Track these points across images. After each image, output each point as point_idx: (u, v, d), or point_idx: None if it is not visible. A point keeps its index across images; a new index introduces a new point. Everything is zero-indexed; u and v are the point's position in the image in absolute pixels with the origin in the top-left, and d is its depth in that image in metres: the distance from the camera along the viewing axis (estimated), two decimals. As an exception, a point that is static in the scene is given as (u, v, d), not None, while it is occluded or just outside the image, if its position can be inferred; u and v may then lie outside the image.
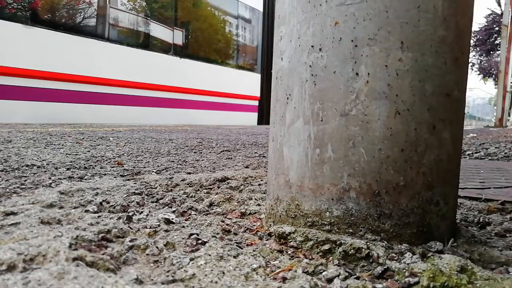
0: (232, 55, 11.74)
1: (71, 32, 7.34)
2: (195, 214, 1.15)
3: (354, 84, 0.83)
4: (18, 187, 1.42)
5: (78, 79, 7.52)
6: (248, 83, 12.19)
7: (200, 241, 0.86)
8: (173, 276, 0.69)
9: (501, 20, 16.92)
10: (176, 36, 9.61)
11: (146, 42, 9.01)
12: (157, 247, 0.83)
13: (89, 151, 2.74)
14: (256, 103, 12.70)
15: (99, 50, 7.84)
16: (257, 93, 12.61)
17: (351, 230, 0.85)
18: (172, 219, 1.03)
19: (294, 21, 0.91)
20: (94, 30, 7.83)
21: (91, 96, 7.86)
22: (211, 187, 1.58)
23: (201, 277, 0.68)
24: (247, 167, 2.34)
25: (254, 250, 0.82)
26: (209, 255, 0.77)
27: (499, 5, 26.43)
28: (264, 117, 12.86)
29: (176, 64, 9.63)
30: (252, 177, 1.82)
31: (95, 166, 2.11)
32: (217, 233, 0.94)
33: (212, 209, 1.23)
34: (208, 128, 7.23)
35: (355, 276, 0.72)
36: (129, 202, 1.23)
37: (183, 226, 1.00)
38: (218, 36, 11.23)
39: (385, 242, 0.83)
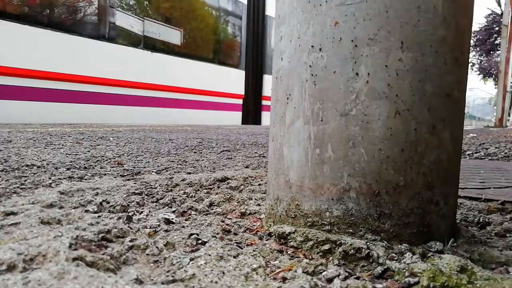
0: (213, 50, 10.59)
1: (13, 20, 6.21)
2: (195, 214, 1.15)
3: (354, 84, 0.83)
4: (18, 187, 1.42)
5: (24, 73, 6.40)
6: (231, 80, 11.15)
7: (200, 241, 0.86)
8: (173, 276, 0.69)
9: (501, 20, 16.91)
10: (147, 28, 8.47)
11: (110, 34, 7.72)
12: (157, 247, 0.83)
13: (89, 151, 2.74)
14: (240, 101, 11.63)
15: (49, 40, 6.66)
16: (241, 91, 11.56)
17: (351, 230, 0.85)
18: (172, 219, 1.03)
19: (294, 21, 0.91)
20: (45, 19, 6.59)
21: (38, 92, 6.70)
22: (211, 187, 1.58)
23: (201, 277, 0.68)
24: (247, 167, 2.34)
25: (254, 250, 0.82)
26: (209, 255, 0.77)
27: (499, 5, 26.43)
28: (249, 117, 11.88)
29: (146, 58, 8.44)
30: (252, 177, 1.82)
31: (95, 166, 2.11)
32: (217, 233, 0.94)
33: (212, 209, 1.23)
34: (208, 128, 7.22)
35: (355, 276, 0.72)
36: (129, 202, 1.23)
37: (183, 226, 1.00)
38: (197, 29, 10.05)
39: (385, 242, 0.83)
